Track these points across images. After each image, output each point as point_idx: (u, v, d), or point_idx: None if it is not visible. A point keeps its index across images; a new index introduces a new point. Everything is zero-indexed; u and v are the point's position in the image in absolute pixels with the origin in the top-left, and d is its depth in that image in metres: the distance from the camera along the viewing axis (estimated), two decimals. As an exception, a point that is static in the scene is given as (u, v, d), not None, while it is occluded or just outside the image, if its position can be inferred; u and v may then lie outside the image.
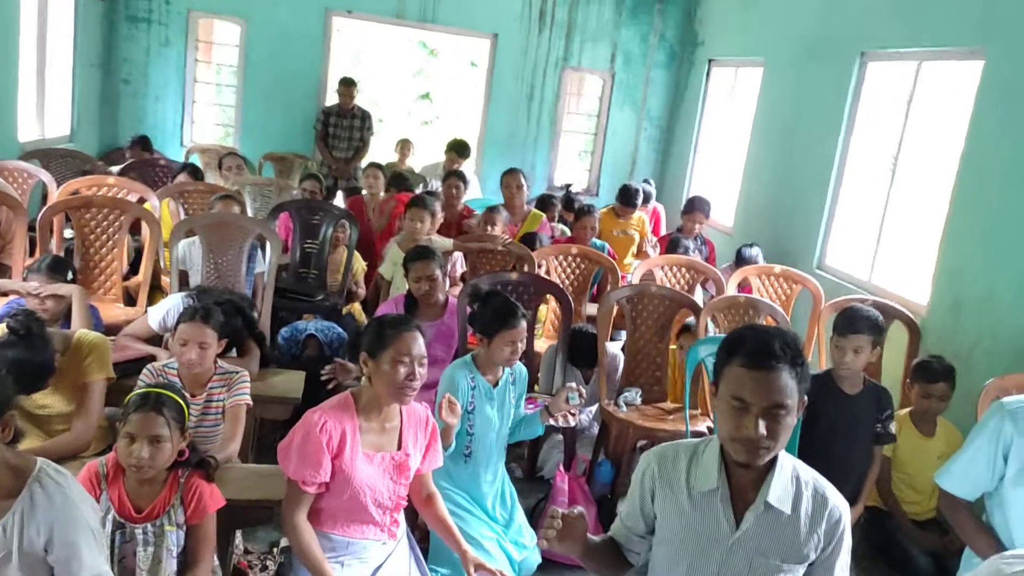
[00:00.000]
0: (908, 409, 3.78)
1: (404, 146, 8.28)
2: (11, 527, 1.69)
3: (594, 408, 4.12)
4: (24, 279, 3.41)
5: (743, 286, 5.18)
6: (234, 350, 3.42)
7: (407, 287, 4.04)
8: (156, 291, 4.69)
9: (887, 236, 5.29)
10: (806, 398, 1.73)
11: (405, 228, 4.89)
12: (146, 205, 4.80)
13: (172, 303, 3.54)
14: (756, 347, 1.69)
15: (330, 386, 3.32)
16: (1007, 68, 4.24)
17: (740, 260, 5.55)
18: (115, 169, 6.19)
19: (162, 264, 4.76)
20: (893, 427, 3.48)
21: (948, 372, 3.65)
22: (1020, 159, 4.06)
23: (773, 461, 1.76)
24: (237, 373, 2.95)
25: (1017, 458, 2.25)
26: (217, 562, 2.55)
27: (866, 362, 3.27)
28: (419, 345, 2.48)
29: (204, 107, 9.07)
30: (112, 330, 3.56)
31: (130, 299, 4.55)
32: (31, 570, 1.74)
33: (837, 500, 1.80)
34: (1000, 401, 2.34)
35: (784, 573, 1.77)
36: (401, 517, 2.67)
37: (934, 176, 5.06)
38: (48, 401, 2.84)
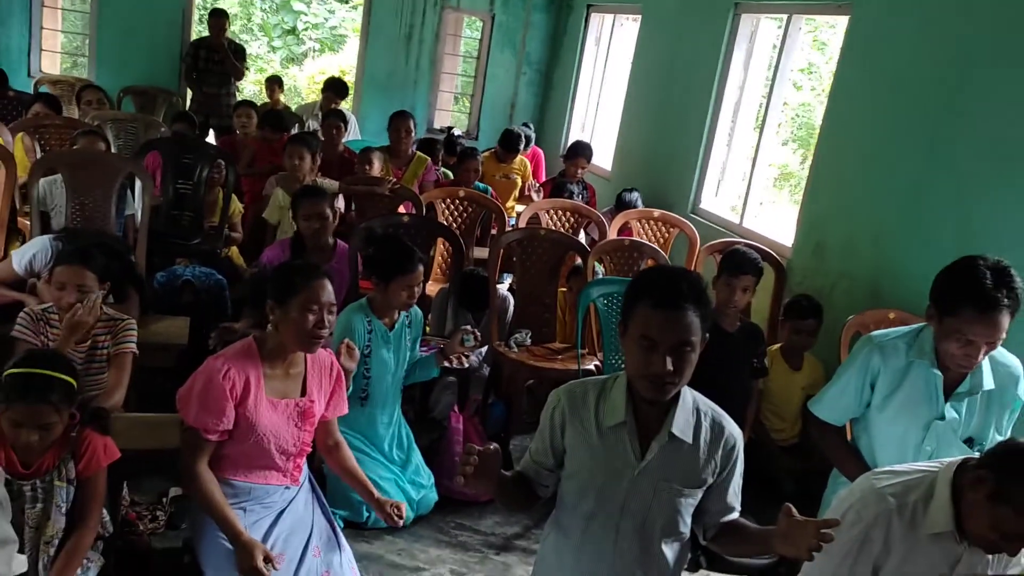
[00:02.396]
0: (779, 345, 4.06)
1: (272, 84, 7.86)
2: None
3: (484, 349, 4.18)
4: None
5: (624, 230, 5.34)
6: (110, 296, 3.26)
7: (291, 230, 3.95)
8: (13, 234, 4.34)
9: (756, 182, 5.56)
10: (707, 335, 1.83)
11: (286, 167, 4.74)
12: (-2, 140, 4.42)
13: (39, 246, 3.33)
14: (664, 288, 1.76)
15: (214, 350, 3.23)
16: (871, 23, 4.50)
17: (620, 204, 5.71)
18: (-43, 101, 5.65)
19: (17, 205, 4.41)
20: (766, 361, 3.74)
21: (816, 309, 3.95)
22: (880, 112, 4.34)
23: (676, 394, 1.85)
24: (123, 320, 2.81)
25: (883, 386, 2.47)
26: (107, 515, 2.46)
27: (748, 300, 3.48)
28: (328, 292, 2.45)
29: (50, 34, 8.33)
30: (-32, 276, 3.30)
31: (-16, 242, 4.20)
32: None
33: (732, 428, 1.92)
34: (869, 335, 2.54)
35: (685, 496, 1.88)
36: (304, 462, 2.65)
37: (801, 125, 5.34)
38: (-94, 351, 2.62)
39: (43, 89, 6.64)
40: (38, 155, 4.75)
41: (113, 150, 5.09)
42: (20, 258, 3.32)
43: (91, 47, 8.15)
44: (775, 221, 5.48)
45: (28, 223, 4.11)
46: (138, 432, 2.63)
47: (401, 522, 2.61)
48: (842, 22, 4.81)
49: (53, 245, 3.27)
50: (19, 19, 7.88)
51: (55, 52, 8.46)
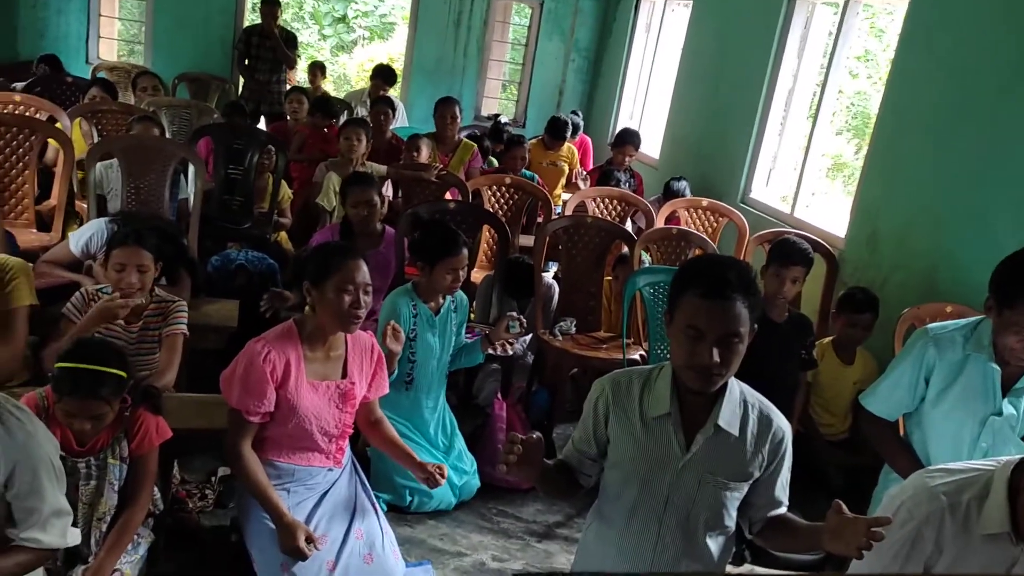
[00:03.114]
0: (831, 338, 3.97)
1: (315, 69, 7.86)
2: None
3: (528, 337, 4.18)
4: None
5: (671, 218, 5.28)
6: (163, 279, 3.32)
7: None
8: (71, 216, 4.46)
9: (809, 172, 5.44)
10: (755, 326, 1.79)
11: (342, 150, 4.77)
12: (57, 124, 4.53)
13: (95, 228, 3.40)
14: (712, 278, 1.73)
15: (268, 315, 3.27)
16: (931, 8, 4.36)
17: (668, 193, 5.64)
18: (18, 85, 5.80)
19: (75, 188, 4.53)
20: (816, 353, 3.67)
21: (873, 303, 3.83)
22: (939, 98, 4.21)
23: (723, 386, 1.82)
24: (174, 302, 2.86)
25: (938, 380, 2.40)
26: (158, 493, 2.51)
27: (797, 291, 3.41)
28: (363, 273, 2.46)
29: (108, 21, 8.52)
30: (28, 256, 3.38)
31: (43, 224, 4.32)
32: None
33: (780, 421, 1.88)
34: (925, 327, 2.47)
35: (730, 490, 1.85)
36: (347, 444, 2.68)
37: (856, 114, 5.21)
38: (-33, 328, 2.70)
39: (100, 75, 6.80)
40: (95, 140, 4.86)
41: (167, 135, 5.19)
42: (77, 240, 3.40)
43: (147, 34, 8.31)
44: (828, 211, 5.36)
45: (85, 206, 4.21)
46: (188, 412, 2.68)
47: (444, 481, 2.62)
48: (901, 7, 4.66)
49: (108, 228, 3.34)
50: (78, 6, 8.08)
51: (112, 39, 8.65)
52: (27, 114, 4.54)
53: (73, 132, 4.77)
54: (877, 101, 4.76)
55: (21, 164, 4.17)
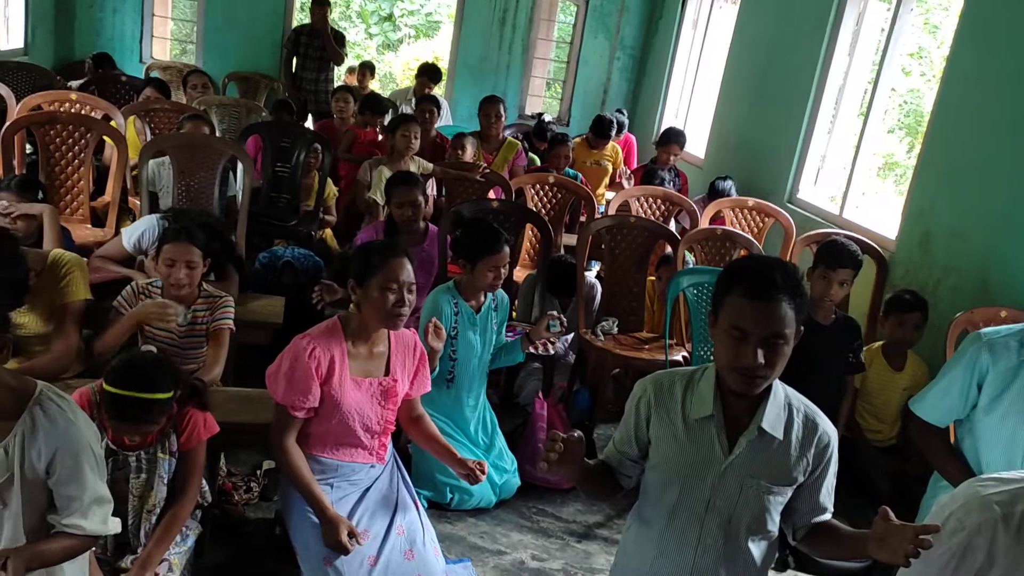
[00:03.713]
0: (880, 343, 3.89)
1: (364, 70, 7.94)
2: (12, 449, 1.66)
3: (569, 337, 4.17)
4: None
5: (716, 218, 5.22)
6: (211, 274, 3.38)
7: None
8: (124, 213, 4.57)
9: (859, 171, 5.34)
10: (802, 328, 1.77)
11: (397, 146, 4.80)
12: (111, 123, 4.64)
13: (147, 224, 3.47)
14: (757, 278, 1.71)
15: (319, 307, 3.32)
16: (988, 4, 4.25)
17: (713, 193, 5.58)
18: (74, 84, 5.95)
19: (128, 184, 4.64)
20: (863, 357, 3.59)
21: (921, 303, 3.74)
22: (995, 96, 4.09)
23: (767, 388, 1.79)
24: (221, 297, 2.92)
25: (991, 387, 2.33)
26: (206, 486, 2.55)
27: (845, 294, 3.34)
28: (407, 271, 2.48)
29: (161, 21, 8.70)
30: (82, 251, 3.47)
31: (97, 220, 4.44)
32: (32, 493, 1.72)
33: (826, 426, 1.85)
34: (978, 332, 2.41)
35: (773, 495, 1.83)
36: (389, 441, 2.70)
37: (909, 112, 5.10)
38: (24, 321, 2.78)
39: (153, 75, 6.95)
40: (148, 137, 4.97)
41: (217, 133, 5.28)
42: (129, 236, 3.48)
43: (198, 34, 8.48)
44: (878, 212, 5.24)
45: (138, 202, 4.31)
46: (234, 406, 2.72)
47: (484, 478, 2.62)
48: (956, 3, 4.55)
49: (160, 224, 3.41)
50: (132, 6, 8.27)
51: (165, 39, 8.83)
52: (83, 112, 4.66)
53: (127, 130, 4.89)
54: (931, 99, 4.65)
55: (77, 161, 4.28)
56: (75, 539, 1.77)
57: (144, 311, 2.75)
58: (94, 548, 2.10)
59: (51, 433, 1.67)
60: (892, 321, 3.77)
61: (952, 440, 2.54)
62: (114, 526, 1.83)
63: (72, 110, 4.70)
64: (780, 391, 1.83)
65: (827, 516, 1.87)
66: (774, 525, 1.87)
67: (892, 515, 1.60)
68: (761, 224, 5.27)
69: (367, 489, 2.60)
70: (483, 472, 2.61)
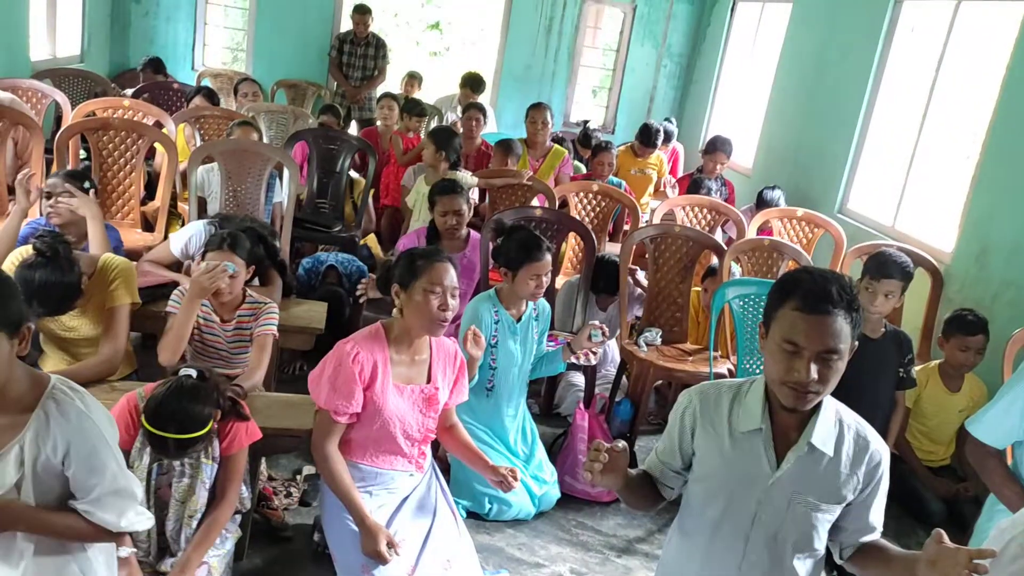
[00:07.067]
0: (937, 362, 3.75)
1: (411, 80, 7.97)
2: (26, 443, 1.68)
3: (611, 344, 4.12)
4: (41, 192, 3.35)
5: (764, 229, 5.12)
6: (255, 279, 3.40)
7: (427, 219, 4.00)
8: (173, 217, 4.64)
9: (914, 181, 5.20)
10: (856, 343, 1.71)
11: (427, 160, 4.81)
12: (163, 129, 4.72)
13: (194, 230, 3.51)
14: (813, 291, 1.66)
15: (362, 300, 3.34)
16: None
17: (761, 203, 5.48)
18: (128, 91, 6.08)
19: (177, 190, 4.71)
20: (914, 372, 3.48)
21: (984, 324, 3.59)
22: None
23: (818, 404, 1.74)
24: (266, 303, 2.93)
25: (1054, 408, 2.24)
26: (247, 491, 2.56)
27: (893, 307, 3.24)
28: (451, 276, 2.46)
29: (214, 29, 8.87)
30: (132, 255, 3.53)
31: (147, 224, 4.51)
32: (48, 486, 1.73)
33: (878, 444, 1.79)
34: (1040, 351, 2.31)
35: (821, 512, 1.77)
36: (428, 450, 2.68)
37: (966, 121, 4.96)
38: (75, 324, 2.83)
39: (205, 82, 7.08)
40: (197, 143, 5.05)
41: (265, 140, 5.34)
42: (177, 241, 3.52)
43: (249, 42, 8.62)
44: (933, 224, 5.10)
45: (187, 208, 4.37)
46: (276, 411, 2.73)
47: (517, 484, 2.58)
48: (1017, 9, 4.41)
49: (207, 229, 3.44)
50: (186, 14, 8.44)
51: (217, 47, 8.99)
52: (135, 119, 4.75)
53: (177, 137, 4.97)
54: (990, 108, 4.52)
55: (128, 166, 4.36)
56: (82, 521, 1.76)
57: (198, 287, 2.73)
58: (135, 550, 2.11)
59: (64, 426, 1.68)
60: (954, 344, 3.62)
61: (1009, 462, 2.43)
62: (129, 523, 1.81)
63: (125, 116, 4.79)
64: (831, 407, 1.77)
65: (876, 535, 1.81)
66: (821, 543, 1.82)
67: (946, 537, 1.54)
68: (810, 235, 5.15)
69: (405, 498, 2.58)
70: (516, 478, 2.57)
